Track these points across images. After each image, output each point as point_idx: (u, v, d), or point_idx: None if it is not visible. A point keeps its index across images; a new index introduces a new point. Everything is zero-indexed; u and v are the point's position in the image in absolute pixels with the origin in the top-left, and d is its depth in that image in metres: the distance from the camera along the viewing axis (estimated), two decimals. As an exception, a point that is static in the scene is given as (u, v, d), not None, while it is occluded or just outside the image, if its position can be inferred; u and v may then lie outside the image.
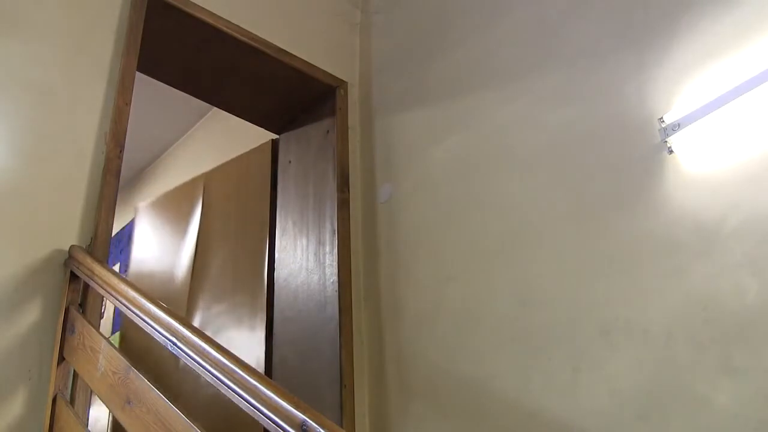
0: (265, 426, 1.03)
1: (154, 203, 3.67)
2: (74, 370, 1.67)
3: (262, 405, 1.04)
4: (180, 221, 3.51)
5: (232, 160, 3.39)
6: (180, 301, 3.22)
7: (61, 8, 2.10)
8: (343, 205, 2.71)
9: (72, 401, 1.65)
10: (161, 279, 3.33)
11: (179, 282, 3.31)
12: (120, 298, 1.52)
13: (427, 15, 2.80)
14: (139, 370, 1.36)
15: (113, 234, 2.11)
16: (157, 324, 1.37)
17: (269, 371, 2.65)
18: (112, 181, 1.97)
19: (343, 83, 2.97)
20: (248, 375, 1.10)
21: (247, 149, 3.37)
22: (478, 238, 2.22)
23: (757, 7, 1.65)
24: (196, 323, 3.06)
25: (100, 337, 1.55)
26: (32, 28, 2.00)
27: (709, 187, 1.64)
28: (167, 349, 1.32)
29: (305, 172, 2.96)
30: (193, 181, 3.55)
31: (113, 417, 2.80)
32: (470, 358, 2.09)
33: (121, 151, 2.03)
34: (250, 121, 3.22)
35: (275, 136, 3.25)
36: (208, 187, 3.46)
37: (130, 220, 4.41)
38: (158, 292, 3.28)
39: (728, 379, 1.48)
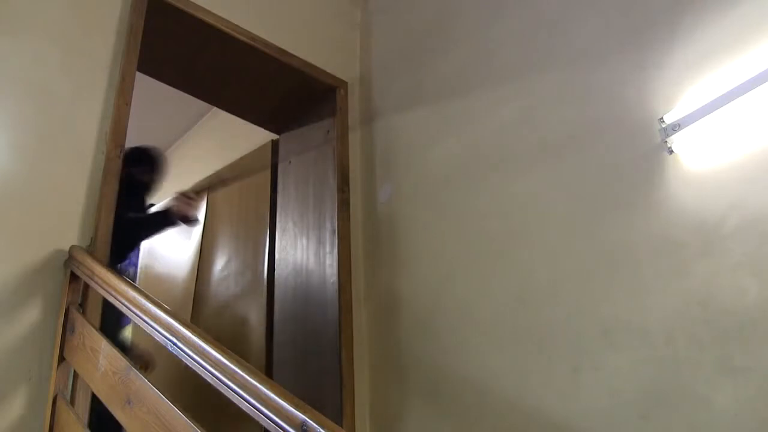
0: (265, 426, 1.03)
1: None
2: (74, 370, 1.67)
3: (262, 405, 1.04)
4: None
5: (235, 162, 3.40)
6: (186, 302, 3.24)
7: (62, 9, 2.10)
8: (343, 205, 2.71)
9: (72, 401, 1.65)
10: (169, 282, 3.34)
11: (186, 284, 3.33)
12: (120, 298, 1.52)
13: (427, 15, 2.80)
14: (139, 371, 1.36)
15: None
16: (157, 324, 1.36)
17: (269, 371, 2.65)
18: (112, 181, 1.97)
19: (343, 83, 2.97)
20: (248, 375, 1.09)
21: (247, 149, 3.37)
22: (477, 238, 2.21)
23: (757, 7, 1.65)
24: (200, 324, 3.06)
25: (101, 337, 1.55)
26: (32, 28, 2.00)
27: (710, 187, 1.64)
28: (167, 349, 1.32)
29: (305, 172, 2.95)
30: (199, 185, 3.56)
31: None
32: (470, 358, 2.09)
33: (121, 151, 2.03)
34: (250, 121, 3.22)
35: (275, 137, 3.24)
36: (213, 189, 3.47)
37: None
38: (166, 295, 3.29)
39: (728, 379, 1.48)
